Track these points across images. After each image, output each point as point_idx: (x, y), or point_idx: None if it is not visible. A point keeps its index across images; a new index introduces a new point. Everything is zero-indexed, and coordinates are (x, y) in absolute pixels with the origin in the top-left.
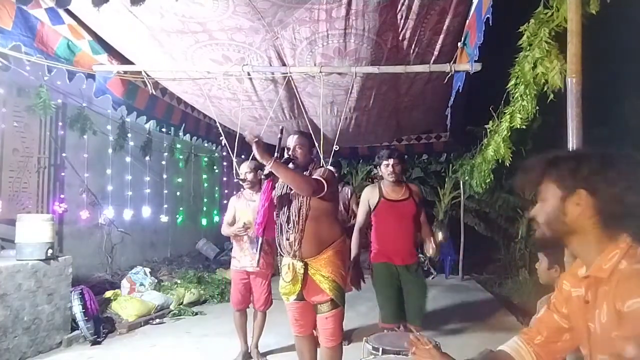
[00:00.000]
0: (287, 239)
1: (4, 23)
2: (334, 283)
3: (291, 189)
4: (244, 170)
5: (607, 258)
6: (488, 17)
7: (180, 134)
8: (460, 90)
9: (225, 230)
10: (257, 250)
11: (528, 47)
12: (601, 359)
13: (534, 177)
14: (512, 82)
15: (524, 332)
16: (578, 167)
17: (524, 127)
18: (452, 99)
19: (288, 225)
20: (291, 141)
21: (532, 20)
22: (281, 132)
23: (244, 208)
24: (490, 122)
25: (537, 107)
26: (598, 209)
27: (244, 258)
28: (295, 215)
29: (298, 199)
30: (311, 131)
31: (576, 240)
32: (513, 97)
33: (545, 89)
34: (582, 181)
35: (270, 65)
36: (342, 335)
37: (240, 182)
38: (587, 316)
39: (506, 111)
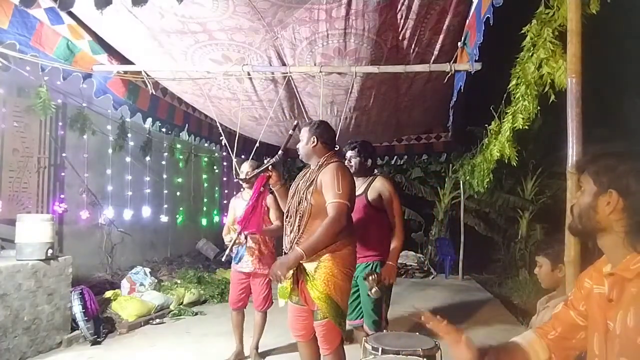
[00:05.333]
0: (286, 236)
1: (0, 22)
2: (323, 294)
3: (298, 185)
4: (245, 169)
5: (637, 259)
6: (488, 17)
7: (184, 134)
8: (461, 90)
9: (226, 234)
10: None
11: (532, 48)
12: None
13: (578, 165)
14: (513, 82)
15: (539, 327)
16: (614, 166)
17: (526, 127)
18: (454, 99)
19: (288, 221)
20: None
21: (534, 21)
22: (293, 129)
23: (242, 208)
24: (492, 122)
25: (539, 107)
26: (628, 211)
27: (242, 259)
28: (294, 211)
29: (299, 194)
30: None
31: (605, 238)
32: (514, 98)
33: (547, 89)
34: (615, 181)
35: (270, 65)
36: (340, 341)
37: (241, 182)
38: (607, 314)
39: (508, 111)
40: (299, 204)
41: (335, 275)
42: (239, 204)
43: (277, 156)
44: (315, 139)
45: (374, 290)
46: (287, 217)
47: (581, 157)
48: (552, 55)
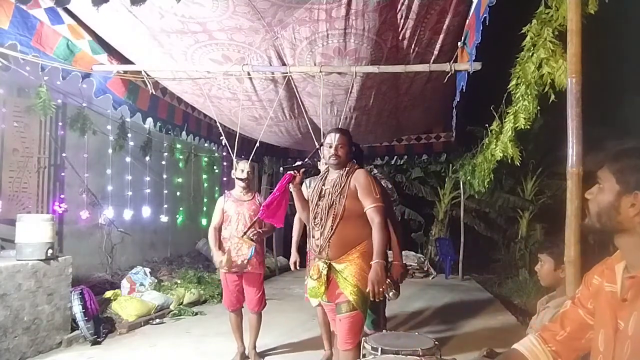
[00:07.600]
0: (315, 238)
1: (0, 22)
2: (355, 287)
3: (322, 190)
4: (244, 168)
5: None
6: (485, 17)
7: (183, 133)
8: (463, 90)
9: (212, 238)
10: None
11: (532, 48)
12: None
13: (597, 159)
14: (513, 82)
15: (545, 329)
16: None
17: (527, 127)
18: (457, 99)
19: (316, 224)
20: (332, 139)
21: (534, 21)
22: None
23: (235, 208)
24: (494, 122)
25: (539, 107)
26: None
27: (236, 259)
28: (325, 215)
29: (329, 198)
30: (311, 131)
31: (624, 238)
32: (514, 98)
33: (547, 89)
34: None
35: (270, 65)
36: (359, 340)
37: (238, 180)
38: (619, 313)
39: (509, 111)
40: (330, 208)
41: (365, 270)
42: (230, 205)
43: (308, 161)
44: (354, 148)
45: (391, 293)
46: (314, 222)
47: (600, 151)
48: (552, 55)
